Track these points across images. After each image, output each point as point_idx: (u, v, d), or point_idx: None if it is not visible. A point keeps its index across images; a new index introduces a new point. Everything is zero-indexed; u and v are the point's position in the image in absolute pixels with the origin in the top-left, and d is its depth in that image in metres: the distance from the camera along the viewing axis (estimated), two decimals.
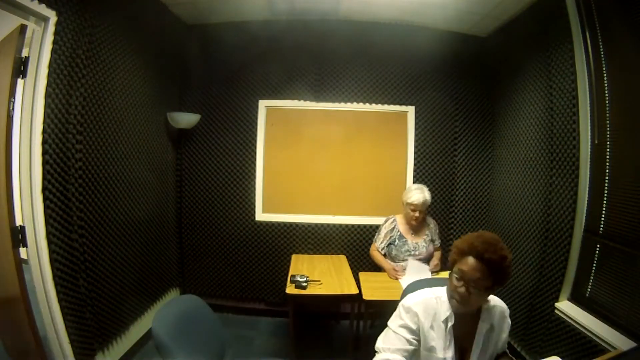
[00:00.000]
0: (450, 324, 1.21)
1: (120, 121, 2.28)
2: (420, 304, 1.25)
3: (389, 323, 1.29)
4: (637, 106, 1.76)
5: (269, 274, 3.21)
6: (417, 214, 2.50)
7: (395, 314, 1.29)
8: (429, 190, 2.59)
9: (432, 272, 2.45)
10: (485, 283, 1.12)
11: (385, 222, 2.66)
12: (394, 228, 2.60)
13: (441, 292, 1.28)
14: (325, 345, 2.78)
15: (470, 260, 1.14)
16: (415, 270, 2.40)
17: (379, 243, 2.62)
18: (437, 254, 2.65)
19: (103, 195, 2.12)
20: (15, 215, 1.68)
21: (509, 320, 1.30)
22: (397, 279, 2.39)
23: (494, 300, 1.29)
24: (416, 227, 2.59)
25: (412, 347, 1.22)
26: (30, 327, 1.71)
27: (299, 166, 3.18)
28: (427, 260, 2.58)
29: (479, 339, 1.22)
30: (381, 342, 1.25)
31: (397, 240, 2.56)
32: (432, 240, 2.63)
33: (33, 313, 1.72)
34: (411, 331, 1.22)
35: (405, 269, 2.46)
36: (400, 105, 3.14)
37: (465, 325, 1.23)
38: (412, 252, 2.54)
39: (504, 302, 1.34)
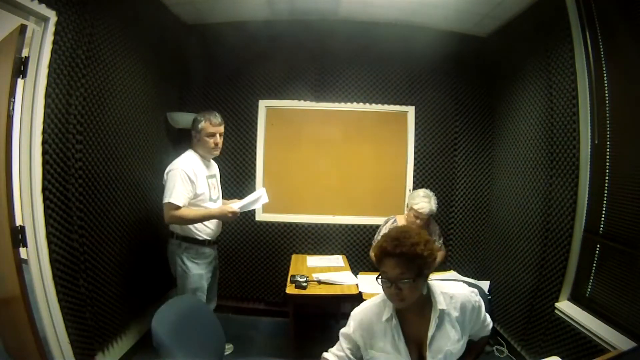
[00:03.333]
0: (394, 321, 1.24)
1: (120, 121, 2.28)
2: (360, 313, 1.30)
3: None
4: (637, 106, 1.76)
5: (269, 274, 3.21)
6: (418, 221, 2.49)
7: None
8: (431, 192, 2.59)
9: None
10: (410, 274, 1.13)
11: (386, 222, 2.66)
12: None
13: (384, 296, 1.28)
14: (325, 345, 2.78)
15: (386, 260, 1.16)
16: None
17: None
18: (440, 254, 2.64)
19: (103, 195, 2.12)
20: (15, 215, 1.68)
21: (477, 306, 1.28)
22: None
23: (455, 289, 1.28)
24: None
25: (348, 355, 1.30)
26: (30, 327, 1.71)
27: (299, 166, 3.18)
28: None
29: (432, 332, 1.21)
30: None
31: None
32: (433, 241, 2.62)
33: (33, 313, 1.72)
34: (349, 340, 1.31)
35: None
36: (400, 105, 3.14)
37: (419, 319, 1.24)
38: None
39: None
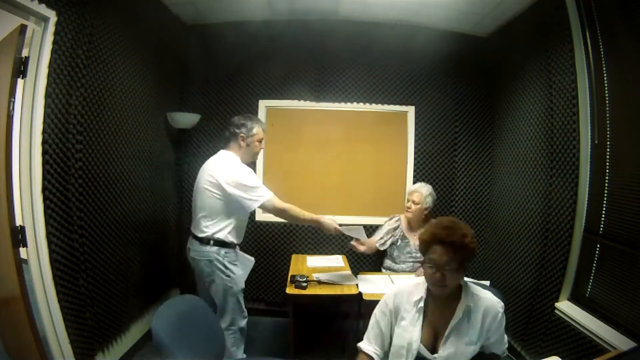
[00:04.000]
0: (421, 304, 1.32)
1: (120, 121, 2.28)
2: (396, 289, 1.40)
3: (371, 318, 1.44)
4: (637, 106, 1.76)
5: (269, 274, 3.20)
6: (408, 204, 2.53)
7: (377, 307, 1.45)
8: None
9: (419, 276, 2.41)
10: (455, 262, 1.22)
11: (390, 219, 2.66)
12: (397, 227, 2.60)
13: (420, 279, 1.40)
14: (325, 345, 2.78)
15: (437, 247, 1.25)
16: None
17: (378, 237, 2.59)
18: None
19: (103, 195, 2.12)
20: (15, 215, 1.68)
21: (500, 317, 1.30)
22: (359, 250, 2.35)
23: (484, 293, 1.33)
24: (419, 229, 2.57)
25: (386, 333, 1.37)
26: (30, 327, 1.70)
27: (299, 166, 3.18)
28: None
29: (454, 323, 1.27)
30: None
31: (399, 241, 2.56)
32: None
33: (33, 313, 1.72)
34: (385, 325, 1.38)
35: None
36: (400, 105, 3.14)
37: (443, 310, 1.31)
38: (414, 254, 2.53)
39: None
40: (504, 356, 1.41)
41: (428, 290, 1.33)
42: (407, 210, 2.54)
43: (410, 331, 1.30)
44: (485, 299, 1.31)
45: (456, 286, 1.29)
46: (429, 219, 2.62)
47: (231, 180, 1.98)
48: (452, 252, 1.22)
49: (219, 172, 2.01)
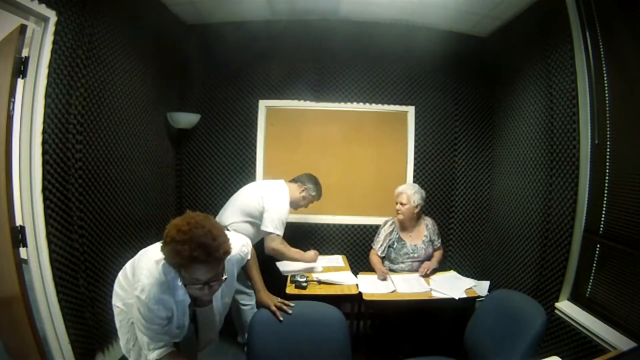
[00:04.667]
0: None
1: (120, 121, 2.28)
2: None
3: None
4: (637, 106, 1.76)
5: (269, 274, 3.19)
6: (397, 207, 2.52)
7: None
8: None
9: (423, 276, 2.40)
10: (222, 271, 1.17)
11: (384, 224, 2.64)
12: (392, 231, 2.59)
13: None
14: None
15: (198, 266, 1.09)
16: (407, 285, 2.29)
17: (378, 246, 2.59)
18: (437, 255, 2.63)
19: (103, 195, 2.12)
20: (15, 215, 1.68)
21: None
22: (384, 279, 2.36)
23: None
24: (413, 228, 2.57)
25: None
26: (30, 327, 1.71)
27: (299, 166, 3.17)
28: (426, 261, 2.57)
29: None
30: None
31: (395, 243, 2.55)
32: (432, 241, 2.61)
33: (33, 313, 1.72)
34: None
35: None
36: (400, 105, 3.14)
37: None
38: (411, 255, 2.53)
39: None
40: None
41: None
42: (397, 213, 2.53)
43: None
44: None
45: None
46: (421, 217, 2.62)
47: (269, 198, 2.29)
48: (218, 264, 1.12)
49: (269, 197, 2.29)
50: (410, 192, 2.51)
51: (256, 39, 3.00)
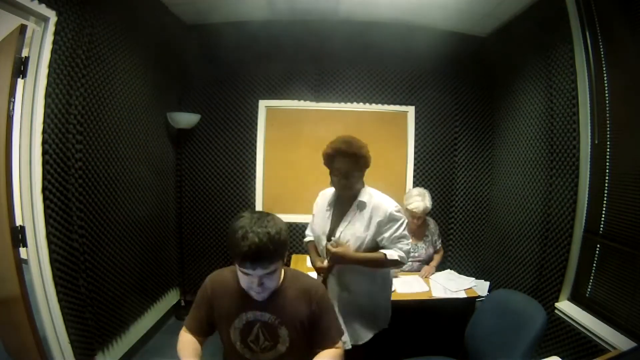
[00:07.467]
0: (331, 208, 1.68)
1: (120, 121, 2.28)
2: (320, 194, 1.80)
3: None
4: (637, 106, 1.76)
5: None
6: (415, 220, 2.49)
7: None
8: (430, 192, 2.58)
9: (424, 277, 2.40)
10: (355, 169, 1.53)
11: None
12: None
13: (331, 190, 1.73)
14: None
15: (340, 158, 1.53)
16: (407, 285, 2.30)
17: None
18: (437, 257, 2.63)
19: (103, 195, 2.12)
20: (15, 215, 1.68)
21: (388, 216, 1.55)
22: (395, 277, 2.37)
23: (379, 197, 1.61)
24: (416, 230, 2.58)
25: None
26: (30, 327, 1.70)
27: (299, 166, 3.18)
28: (426, 262, 2.57)
29: (347, 215, 1.60)
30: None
31: None
32: (433, 242, 2.61)
33: (33, 313, 1.72)
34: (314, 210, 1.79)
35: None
36: (400, 105, 3.14)
37: (345, 208, 1.63)
38: (412, 254, 2.53)
39: None
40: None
41: (336, 195, 1.67)
42: (412, 224, 2.49)
43: (322, 225, 1.66)
44: (379, 200, 1.59)
45: (357, 190, 1.60)
46: (424, 217, 2.61)
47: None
48: (354, 161, 1.51)
49: None
50: (429, 208, 2.49)
51: (256, 39, 3.00)
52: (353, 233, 1.57)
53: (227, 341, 1.23)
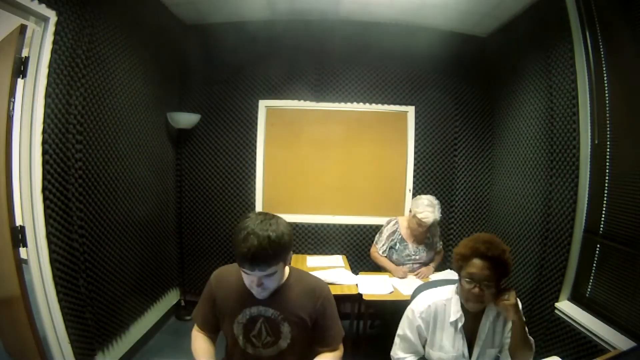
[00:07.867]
0: (460, 324, 1.32)
1: (120, 121, 2.28)
2: (424, 313, 1.37)
3: (398, 331, 1.44)
4: (637, 106, 1.76)
5: None
6: (421, 229, 2.46)
7: (402, 320, 1.43)
8: (430, 192, 2.59)
9: (422, 278, 2.40)
10: (494, 278, 1.22)
11: (387, 224, 2.64)
12: (395, 231, 2.58)
13: (450, 294, 1.38)
14: None
15: (476, 261, 1.24)
16: (407, 286, 2.28)
17: (380, 245, 2.59)
18: (437, 258, 2.63)
19: (103, 195, 2.12)
20: (15, 215, 1.68)
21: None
22: (405, 277, 2.38)
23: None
24: (418, 233, 2.56)
25: (417, 344, 1.39)
26: (30, 327, 1.70)
27: (299, 166, 3.18)
28: (426, 264, 2.56)
29: (483, 329, 1.32)
30: (393, 351, 1.44)
31: (397, 244, 2.54)
32: (434, 244, 2.61)
33: (33, 313, 1.72)
34: (415, 339, 1.39)
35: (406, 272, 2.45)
36: (400, 105, 3.14)
37: (470, 320, 1.34)
38: (413, 257, 2.53)
39: None
40: None
41: (462, 307, 1.33)
42: (418, 225, 2.47)
43: (452, 352, 1.33)
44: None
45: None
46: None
47: None
48: (493, 267, 1.22)
49: None
50: (438, 220, 2.47)
51: (256, 39, 3.00)
52: (489, 354, 1.34)
53: (230, 336, 1.24)
